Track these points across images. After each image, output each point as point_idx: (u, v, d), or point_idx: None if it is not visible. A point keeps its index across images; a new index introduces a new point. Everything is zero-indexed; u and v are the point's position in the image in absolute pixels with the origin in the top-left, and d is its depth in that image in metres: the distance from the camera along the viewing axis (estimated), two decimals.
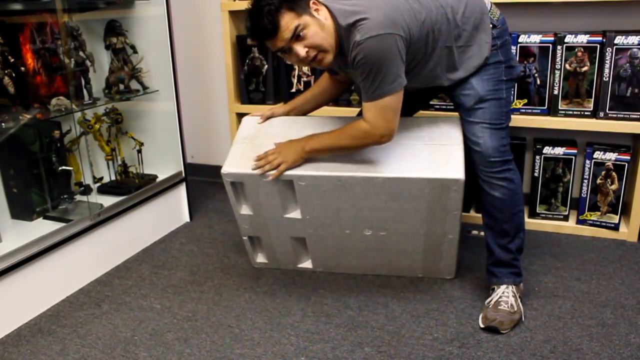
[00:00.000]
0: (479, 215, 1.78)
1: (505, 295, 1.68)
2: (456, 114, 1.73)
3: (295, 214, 1.82)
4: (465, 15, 1.58)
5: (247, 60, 2.58)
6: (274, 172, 1.70)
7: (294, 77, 2.52)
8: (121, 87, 2.30)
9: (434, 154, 1.68)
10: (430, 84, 1.67)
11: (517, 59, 2.14)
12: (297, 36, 1.48)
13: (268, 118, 1.92)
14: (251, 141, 1.85)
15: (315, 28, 1.49)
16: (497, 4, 1.69)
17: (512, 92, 2.13)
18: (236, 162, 1.80)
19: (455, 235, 1.76)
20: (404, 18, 1.48)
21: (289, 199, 1.80)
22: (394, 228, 1.77)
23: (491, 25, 1.61)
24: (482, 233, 1.87)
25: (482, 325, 1.65)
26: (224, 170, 1.79)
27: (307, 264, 2.01)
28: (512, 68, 1.67)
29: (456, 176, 1.61)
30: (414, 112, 1.98)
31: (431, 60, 1.60)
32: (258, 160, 1.73)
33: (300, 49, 1.50)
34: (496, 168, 1.62)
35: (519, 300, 1.69)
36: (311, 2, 1.51)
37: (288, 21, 1.46)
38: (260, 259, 2.04)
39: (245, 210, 1.88)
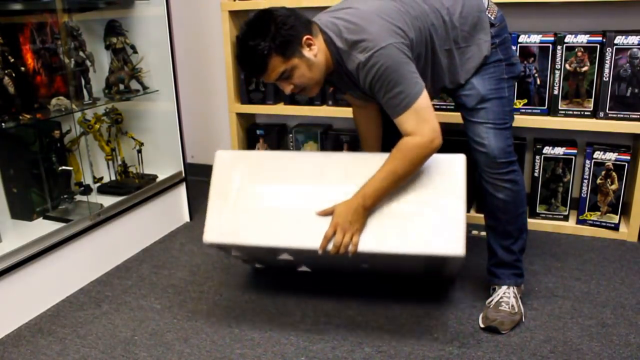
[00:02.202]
0: (480, 215, 1.78)
1: (506, 295, 1.68)
2: (457, 113, 1.72)
3: (288, 256, 1.68)
4: (463, 15, 1.57)
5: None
6: (351, 248, 1.52)
7: None
8: (121, 87, 2.30)
9: (431, 218, 1.51)
10: (435, 88, 1.65)
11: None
12: (283, 77, 1.51)
13: None
14: (231, 199, 1.65)
15: (302, 70, 1.49)
16: (497, 4, 1.68)
17: (514, 91, 2.12)
18: (219, 230, 1.63)
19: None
20: (399, 26, 1.47)
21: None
22: (392, 270, 1.76)
23: (489, 24, 1.60)
24: (483, 233, 1.87)
25: (482, 325, 1.65)
26: (205, 240, 1.63)
27: (306, 268, 1.99)
28: (513, 65, 1.65)
29: (456, 252, 1.48)
30: None
31: (433, 64, 1.59)
32: (322, 248, 1.53)
33: (286, 87, 1.54)
34: (502, 169, 1.60)
35: (519, 301, 1.69)
36: (304, 38, 1.48)
37: (276, 66, 1.47)
38: (260, 264, 2.03)
39: (235, 252, 1.76)
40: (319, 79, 1.55)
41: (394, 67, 1.43)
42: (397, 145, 1.49)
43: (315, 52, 1.50)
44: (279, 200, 1.62)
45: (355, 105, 1.91)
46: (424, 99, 1.46)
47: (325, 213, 1.56)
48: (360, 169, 1.57)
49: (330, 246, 1.53)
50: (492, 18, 1.60)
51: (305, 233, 1.56)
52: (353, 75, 1.52)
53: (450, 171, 1.56)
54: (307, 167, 1.64)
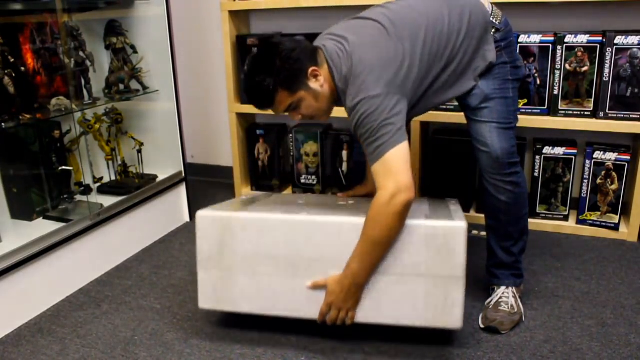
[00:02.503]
0: (480, 215, 1.77)
1: (505, 296, 1.68)
2: (458, 113, 1.72)
3: None
4: (470, 28, 1.53)
5: (247, 60, 2.58)
6: (348, 322, 1.52)
7: None
8: (121, 87, 2.30)
9: (430, 293, 1.48)
10: (442, 102, 1.64)
11: None
12: (291, 109, 1.53)
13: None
14: (221, 264, 1.60)
15: (309, 101, 1.51)
16: (498, 4, 1.67)
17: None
18: (213, 297, 1.62)
19: None
20: (396, 73, 1.44)
21: None
22: None
23: (494, 29, 1.57)
24: (483, 233, 1.86)
25: (482, 326, 1.65)
26: (201, 307, 1.63)
27: None
28: (518, 68, 1.63)
29: (454, 326, 1.50)
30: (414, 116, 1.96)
31: (440, 90, 1.58)
32: (319, 321, 1.54)
33: (295, 117, 1.56)
34: (505, 171, 1.59)
35: (519, 301, 1.69)
36: (310, 70, 1.48)
37: (282, 99, 1.49)
38: None
39: None
40: (326, 108, 1.57)
41: (375, 116, 1.41)
42: (370, 208, 1.43)
43: (321, 82, 1.51)
44: (269, 264, 1.56)
45: None
46: (398, 152, 1.41)
47: (318, 285, 1.52)
48: (345, 230, 1.50)
49: (327, 318, 1.53)
50: (497, 23, 1.57)
51: (301, 302, 1.55)
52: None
53: (449, 242, 1.46)
54: (294, 228, 1.55)
